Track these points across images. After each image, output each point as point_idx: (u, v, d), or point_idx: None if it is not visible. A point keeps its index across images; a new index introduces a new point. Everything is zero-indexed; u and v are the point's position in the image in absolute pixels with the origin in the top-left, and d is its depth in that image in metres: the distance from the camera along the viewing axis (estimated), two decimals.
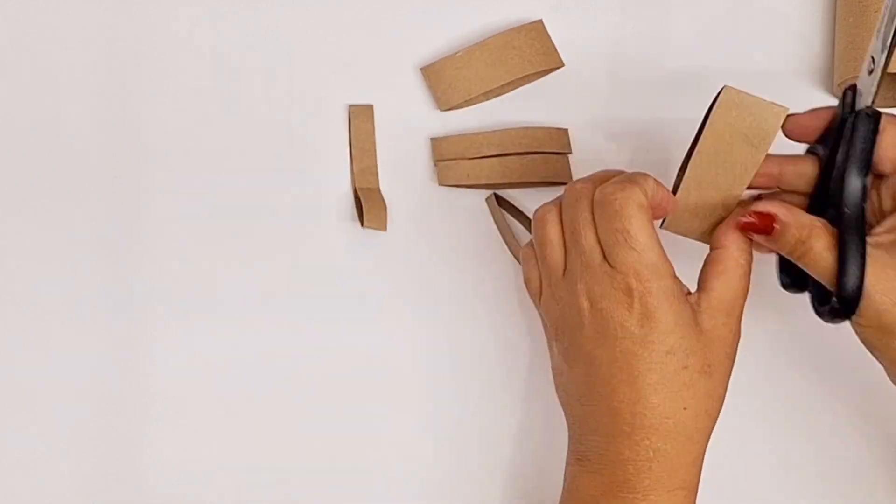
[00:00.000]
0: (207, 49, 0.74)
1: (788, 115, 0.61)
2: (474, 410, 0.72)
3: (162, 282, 0.72)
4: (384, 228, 0.72)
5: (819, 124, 0.62)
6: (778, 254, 0.62)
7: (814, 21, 0.76)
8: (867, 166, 0.59)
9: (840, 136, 0.60)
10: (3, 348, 0.71)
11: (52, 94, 0.73)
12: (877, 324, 0.58)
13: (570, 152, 0.74)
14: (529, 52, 0.72)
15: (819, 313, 0.60)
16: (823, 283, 0.59)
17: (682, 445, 0.59)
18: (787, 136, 0.62)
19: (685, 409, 0.59)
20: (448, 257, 0.73)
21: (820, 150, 0.62)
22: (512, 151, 0.72)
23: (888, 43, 0.59)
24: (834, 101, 0.75)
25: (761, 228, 0.59)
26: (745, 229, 0.60)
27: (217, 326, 0.71)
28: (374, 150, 0.73)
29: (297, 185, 0.73)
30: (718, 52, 0.76)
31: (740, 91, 0.60)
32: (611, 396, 0.59)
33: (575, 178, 0.73)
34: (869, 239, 0.59)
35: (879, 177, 0.61)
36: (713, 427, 0.61)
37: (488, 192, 0.73)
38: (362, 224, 0.72)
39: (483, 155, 0.72)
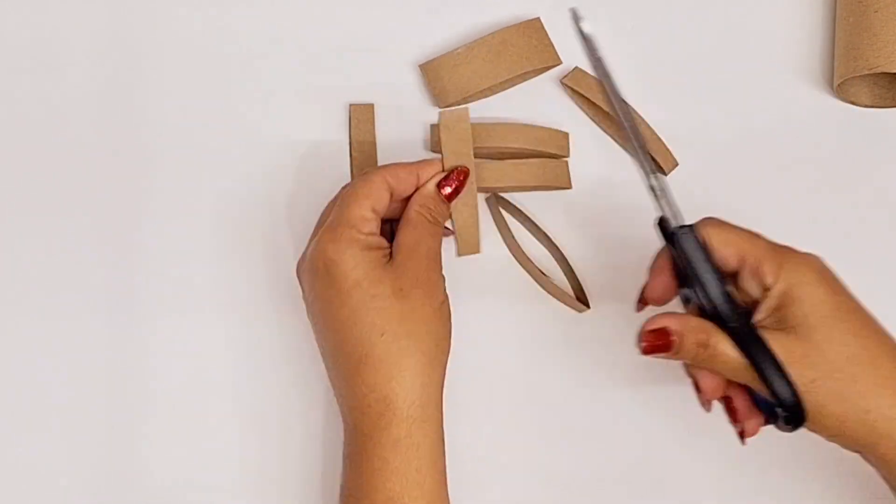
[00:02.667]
0: (207, 49, 0.74)
1: (643, 289, 0.63)
2: (474, 411, 0.72)
3: (161, 281, 0.71)
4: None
5: (665, 277, 0.62)
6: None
7: (814, 21, 0.76)
8: (717, 275, 0.60)
9: (681, 266, 0.61)
10: (3, 348, 0.71)
11: (51, 94, 0.73)
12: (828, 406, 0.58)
13: (568, 156, 0.74)
14: (527, 50, 0.72)
15: (780, 428, 0.59)
16: (742, 381, 0.59)
17: (388, 371, 0.62)
18: (653, 304, 0.63)
19: (382, 335, 0.62)
20: (447, 257, 0.73)
21: (687, 291, 0.62)
22: (512, 145, 0.72)
23: (652, 165, 0.61)
24: (834, 101, 0.75)
25: (662, 346, 0.59)
26: (649, 353, 0.59)
27: (216, 326, 0.71)
28: (375, 151, 0.73)
29: (296, 185, 0.73)
30: (718, 52, 0.76)
31: (447, 109, 0.69)
32: (329, 352, 0.64)
33: (574, 183, 0.73)
34: (760, 331, 0.59)
35: (735, 275, 0.61)
36: (427, 349, 0.63)
37: (488, 193, 0.73)
38: None
39: (484, 146, 0.71)
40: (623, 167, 0.74)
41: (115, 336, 0.71)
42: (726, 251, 0.60)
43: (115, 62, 0.73)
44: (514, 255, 0.73)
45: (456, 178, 0.68)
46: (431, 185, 0.68)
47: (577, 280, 0.72)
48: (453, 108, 0.72)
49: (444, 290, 0.65)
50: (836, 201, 0.74)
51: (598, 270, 0.73)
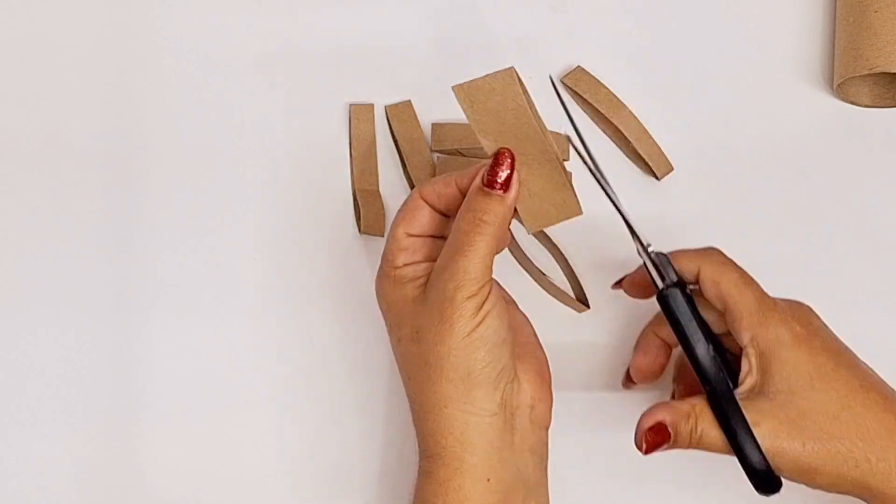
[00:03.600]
0: (207, 49, 0.74)
1: (629, 369, 0.64)
2: None
3: (159, 281, 0.71)
4: (382, 234, 0.72)
5: (651, 356, 0.63)
6: None
7: (814, 21, 0.76)
8: (706, 336, 0.60)
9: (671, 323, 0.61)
10: (2, 347, 0.71)
11: (51, 94, 0.73)
12: (798, 469, 0.58)
13: (568, 159, 0.73)
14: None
15: (762, 494, 0.60)
16: (728, 455, 0.59)
17: (417, 414, 0.60)
18: (642, 383, 0.64)
19: (409, 379, 0.60)
20: None
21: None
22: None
23: (630, 231, 0.61)
24: (834, 101, 0.75)
25: (662, 440, 0.59)
26: (651, 450, 0.59)
27: (215, 327, 0.71)
28: (374, 151, 0.73)
29: (296, 186, 0.73)
30: (718, 52, 0.76)
31: (465, 82, 0.59)
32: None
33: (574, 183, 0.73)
34: (740, 400, 0.59)
35: (728, 335, 0.61)
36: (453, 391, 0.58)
37: None
38: (360, 230, 0.72)
39: (481, 146, 0.72)
40: (621, 167, 0.74)
41: (113, 335, 0.71)
42: (712, 292, 0.61)
43: (114, 62, 0.73)
44: (513, 255, 0.73)
45: (501, 162, 0.59)
46: (476, 182, 0.59)
47: (577, 280, 0.72)
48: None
49: (479, 312, 0.58)
50: (836, 201, 0.74)
51: (598, 270, 0.73)
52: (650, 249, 0.61)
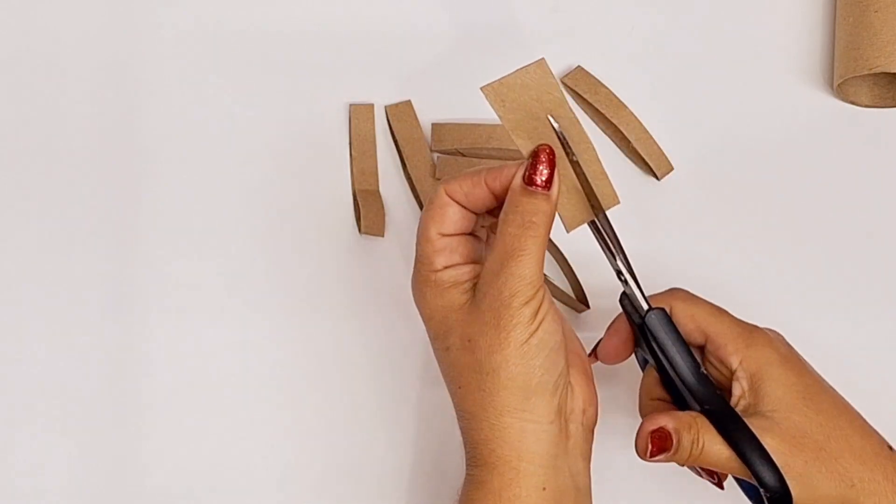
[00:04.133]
0: (207, 49, 0.74)
1: (597, 345, 0.62)
2: None
3: (159, 281, 0.71)
4: (382, 234, 0.72)
5: (621, 338, 0.62)
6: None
7: (814, 21, 0.76)
8: (691, 356, 0.60)
9: (649, 343, 0.60)
10: (2, 347, 0.71)
11: (51, 93, 0.73)
12: (800, 486, 0.57)
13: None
14: None
15: None
16: (731, 473, 0.59)
17: (468, 423, 0.58)
18: (603, 362, 0.63)
19: (459, 387, 0.58)
20: None
21: (644, 353, 0.62)
22: (506, 146, 0.72)
23: (616, 251, 0.60)
24: (834, 101, 0.75)
25: (665, 446, 0.58)
26: (655, 455, 0.58)
27: (215, 327, 0.71)
28: (374, 151, 0.73)
29: (296, 186, 0.73)
30: (717, 52, 0.76)
31: (495, 81, 0.57)
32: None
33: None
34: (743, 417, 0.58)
35: (701, 347, 0.61)
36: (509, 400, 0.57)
37: None
38: (360, 230, 0.72)
39: (482, 146, 0.72)
40: (621, 167, 0.74)
41: (113, 335, 0.71)
42: (690, 326, 0.60)
43: (114, 62, 0.73)
44: None
45: (543, 159, 0.56)
46: (517, 182, 0.57)
47: (577, 280, 0.72)
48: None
49: (535, 317, 0.56)
50: (836, 201, 0.74)
51: (598, 270, 0.73)
52: (623, 277, 0.60)
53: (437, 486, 0.71)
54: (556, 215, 0.58)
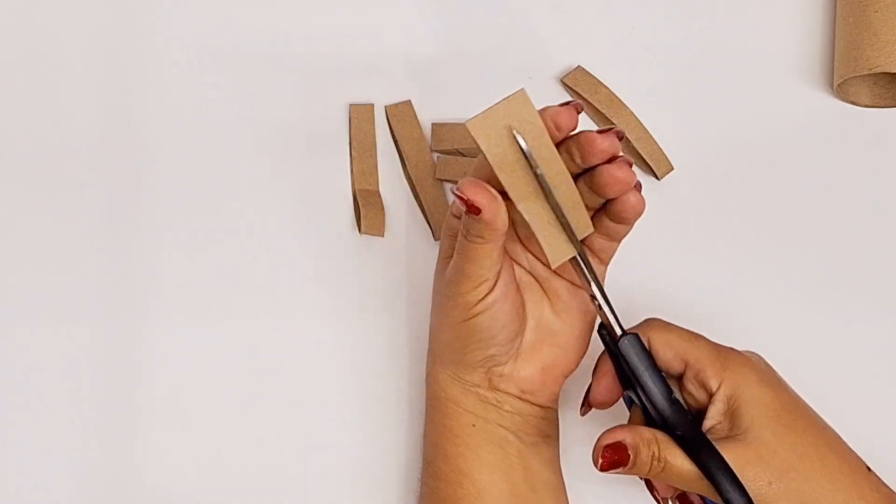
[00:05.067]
0: (207, 49, 0.74)
1: (587, 393, 0.63)
2: None
3: (159, 281, 0.71)
4: (382, 234, 0.72)
5: (609, 380, 0.62)
6: None
7: (814, 21, 0.76)
8: (663, 382, 0.60)
9: (626, 374, 0.60)
10: (3, 347, 0.71)
11: (51, 93, 0.73)
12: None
13: None
14: None
15: None
16: (697, 492, 0.58)
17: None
18: (597, 408, 0.63)
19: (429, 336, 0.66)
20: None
21: (631, 393, 0.62)
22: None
23: (591, 276, 0.60)
24: (834, 101, 0.75)
25: (621, 460, 0.58)
26: (606, 469, 0.59)
27: (215, 327, 0.71)
28: (375, 151, 0.73)
29: (296, 186, 0.73)
30: (717, 52, 0.76)
31: (478, 115, 0.57)
32: None
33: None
34: (712, 440, 0.58)
35: (679, 377, 0.61)
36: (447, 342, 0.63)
37: None
38: (360, 230, 0.72)
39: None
40: None
41: (113, 335, 0.71)
42: (668, 354, 0.60)
43: (114, 62, 0.73)
44: None
45: (462, 193, 0.58)
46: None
47: None
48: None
49: (475, 306, 0.60)
50: (836, 201, 0.74)
51: None
52: (597, 303, 0.60)
53: None
54: (539, 246, 0.59)
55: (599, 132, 0.58)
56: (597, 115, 0.74)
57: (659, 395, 0.60)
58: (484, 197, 0.57)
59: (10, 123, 0.73)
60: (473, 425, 0.64)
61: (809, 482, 0.58)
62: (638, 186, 0.59)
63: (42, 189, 0.72)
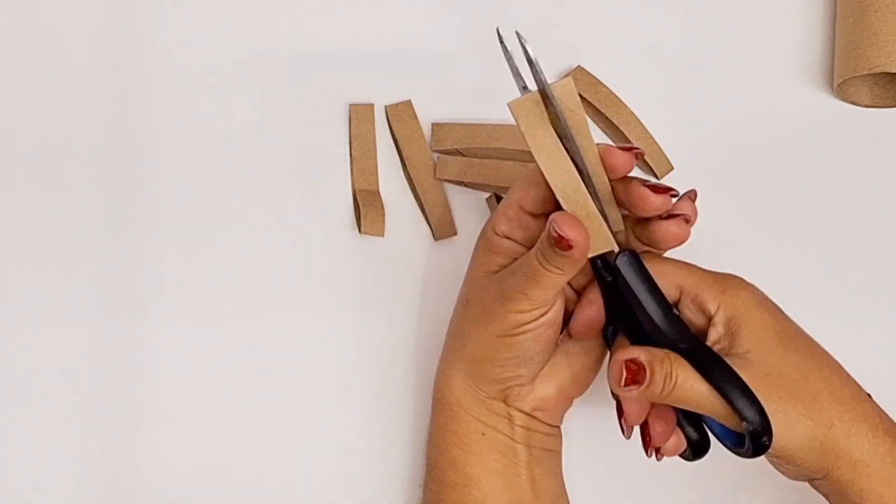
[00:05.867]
0: (207, 49, 0.74)
1: (570, 322, 0.63)
2: None
3: (159, 281, 0.71)
4: (382, 234, 0.72)
5: (594, 308, 0.61)
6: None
7: (814, 21, 0.76)
8: (661, 296, 0.59)
9: (623, 295, 0.59)
10: (3, 347, 0.71)
11: (51, 93, 0.73)
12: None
13: None
14: None
15: (741, 454, 0.57)
16: (707, 412, 0.57)
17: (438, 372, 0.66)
18: (574, 336, 0.63)
19: (446, 336, 0.66)
20: (447, 258, 0.73)
21: (618, 326, 0.61)
22: (507, 147, 0.72)
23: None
24: (834, 101, 0.75)
25: (639, 377, 0.57)
26: (630, 384, 0.57)
27: (215, 327, 0.71)
28: (374, 151, 0.73)
29: (296, 186, 0.73)
30: (717, 51, 0.76)
31: (521, 98, 0.57)
32: None
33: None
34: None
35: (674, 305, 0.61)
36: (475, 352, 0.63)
37: (488, 193, 0.73)
38: (360, 231, 0.72)
39: (482, 146, 0.72)
40: None
41: (113, 336, 0.71)
42: (663, 282, 0.60)
43: (114, 62, 0.73)
44: None
45: (558, 228, 0.57)
46: (546, 230, 0.58)
47: None
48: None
49: (519, 328, 0.60)
50: (835, 201, 0.74)
51: None
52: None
53: None
54: None
55: (652, 188, 0.58)
56: (597, 115, 0.74)
57: (659, 310, 0.59)
58: (579, 234, 0.57)
59: (11, 123, 0.73)
60: (483, 434, 0.64)
61: (818, 402, 0.57)
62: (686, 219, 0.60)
63: (42, 189, 0.72)
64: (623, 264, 0.59)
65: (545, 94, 0.56)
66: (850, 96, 0.74)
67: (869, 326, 0.73)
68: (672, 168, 0.73)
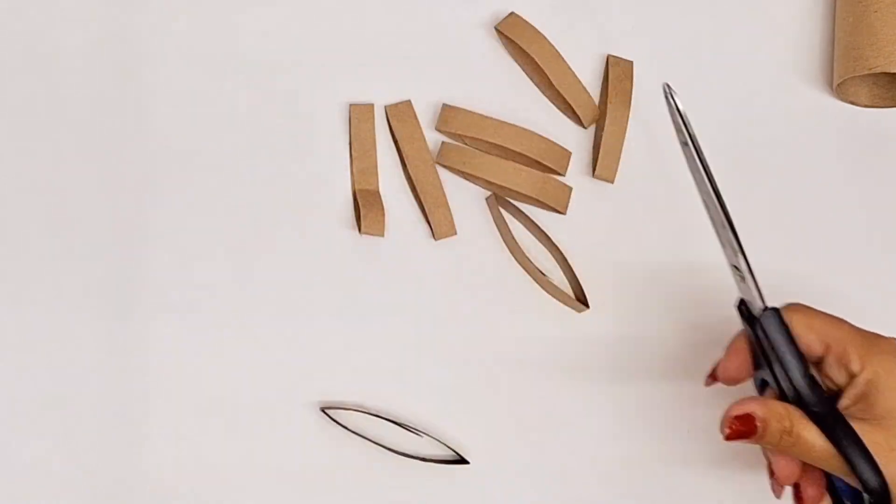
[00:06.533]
0: (207, 49, 0.74)
1: (717, 367, 0.63)
2: (472, 409, 0.72)
3: (159, 281, 0.71)
4: (382, 234, 0.72)
5: (742, 358, 0.62)
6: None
7: (814, 21, 0.76)
8: (801, 359, 0.59)
9: (763, 349, 0.60)
10: (3, 347, 0.71)
11: (51, 93, 0.73)
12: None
13: (564, 174, 0.73)
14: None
15: None
16: (825, 468, 0.58)
17: None
18: (724, 383, 0.63)
19: None
20: (447, 258, 0.73)
21: (764, 374, 0.61)
22: (509, 146, 0.72)
23: (738, 246, 0.60)
24: (834, 101, 0.75)
25: (749, 431, 0.58)
26: (732, 439, 0.58)
27: (215, 327, 0.71)
28: (374, 151, 0.73)
29: (296, 186, 0.73)
30: (718, 52, 0.76)
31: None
32: None
33: (569, 207, 0.73)
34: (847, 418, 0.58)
35: (818, 362, 0.61)
36: None
37: (487, 192, 0.73)
38: (360, 231, 0.72)
39: (484, 139, 0.72)
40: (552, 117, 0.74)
41: (114, 336, 0.71)
42: (810, 337, 0.60)
43: (115, 62, 0.73)
44: (513, 255, 0.73)
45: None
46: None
47: (577, 280, 0.72)
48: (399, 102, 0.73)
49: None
50: (835, 201, 0.74)
51: (597, 270, 0.73)
52: (741, 274, 0.60)
53: (438, 483, 0.71)
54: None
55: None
56: (530, 64, 0.73)
57: (796, 370, 0.59)
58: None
59: (11, 123, 0.73)
60: None
61: None
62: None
63: (42, 189, 0.72)
64: (766, 320, 0.60)
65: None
66: (850, 96, 0.74)
67: (868, 327, 0.73)
68: (597, 112, 0.73)
